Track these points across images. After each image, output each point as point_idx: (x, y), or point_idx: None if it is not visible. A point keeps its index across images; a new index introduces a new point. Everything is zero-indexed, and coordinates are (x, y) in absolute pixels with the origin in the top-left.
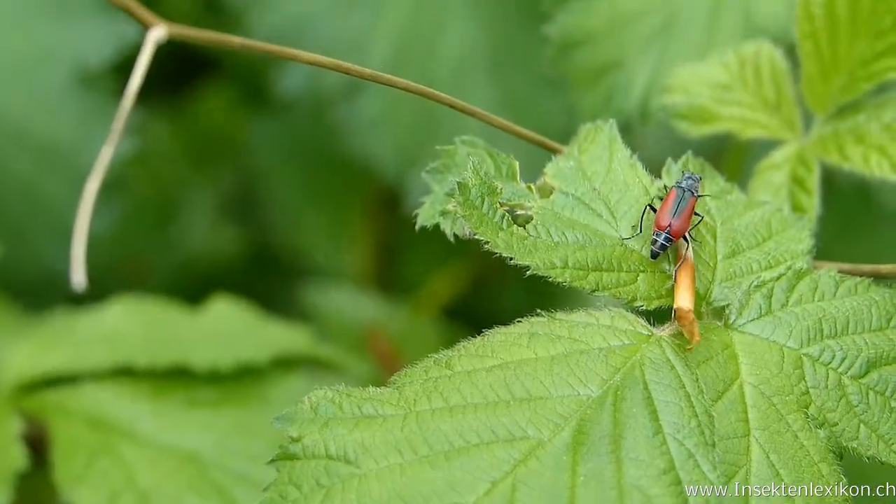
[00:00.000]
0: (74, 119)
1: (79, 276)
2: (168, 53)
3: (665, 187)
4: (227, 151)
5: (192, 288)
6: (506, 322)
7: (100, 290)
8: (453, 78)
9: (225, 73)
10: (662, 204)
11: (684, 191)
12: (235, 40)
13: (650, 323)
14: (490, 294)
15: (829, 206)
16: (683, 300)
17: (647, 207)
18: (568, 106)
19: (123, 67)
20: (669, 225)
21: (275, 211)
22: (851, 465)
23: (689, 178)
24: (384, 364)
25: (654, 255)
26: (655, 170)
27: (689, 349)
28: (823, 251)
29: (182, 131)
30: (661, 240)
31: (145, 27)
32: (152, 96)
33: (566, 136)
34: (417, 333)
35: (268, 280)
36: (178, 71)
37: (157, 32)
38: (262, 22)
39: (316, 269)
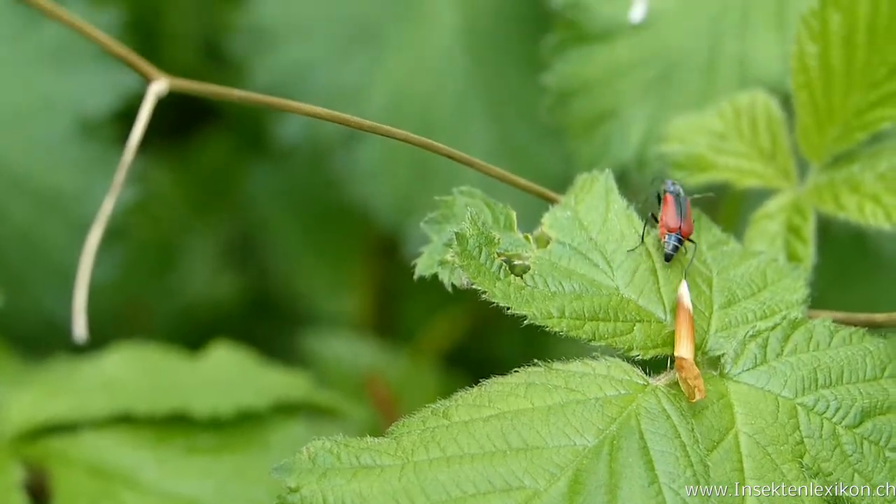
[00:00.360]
0: (75, 167)
1: (80, 329)
2: (169, 104)
3: (658, 197)
4: (228, 199)
5: (192, 334)
6: (503, 370)
7: (100, 336)
8: (451, 125)
9: (225, 121)
10: (664, 209)
11: (676, 195)
12: (235, 93)
13: (646, 373)
14: (488, 341)
15: (825, 253)
16: (684, 349)
17: (645, 250)
18: (565, 154)
19: (125, 115)
20: (679, 227)
21: (274, 258)
22: None
23: (672, 183)
24: (383, 410)
25: (669, 258)
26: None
27: (693, 402)
28: (819, 299)
29: (183, 179)
30: (673, 241)
31: (147, 80)
32: (154, 144)
33: (564, 183)
34: (416, 380)
35: (267, 326)
36: (179, 119)
37: (159, 86)
38: (263, 70)
39: (315, 315)
